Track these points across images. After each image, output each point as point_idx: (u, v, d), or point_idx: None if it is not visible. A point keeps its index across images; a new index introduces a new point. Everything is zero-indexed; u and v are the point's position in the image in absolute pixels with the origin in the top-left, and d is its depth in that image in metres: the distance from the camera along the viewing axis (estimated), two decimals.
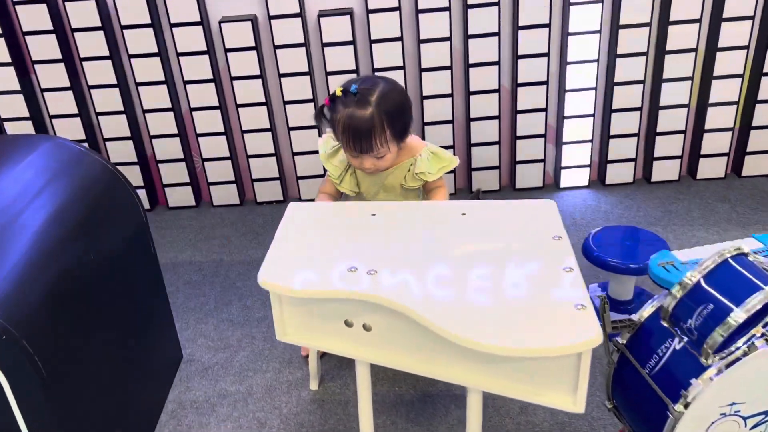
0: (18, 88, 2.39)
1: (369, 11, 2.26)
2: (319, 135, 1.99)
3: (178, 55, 2.34)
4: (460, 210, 1.33)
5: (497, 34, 2.31)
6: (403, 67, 2.35)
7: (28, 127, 2.46)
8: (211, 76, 2.38)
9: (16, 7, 2.27)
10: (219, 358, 1.85)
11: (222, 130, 2.48)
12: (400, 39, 2.30)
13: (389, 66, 2.34)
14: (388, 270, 1.14)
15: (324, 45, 2.30)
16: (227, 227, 2.50)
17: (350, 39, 2.29)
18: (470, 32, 2.31)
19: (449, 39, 2.31)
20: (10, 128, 2.47)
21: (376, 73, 1.68)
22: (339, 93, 1.48)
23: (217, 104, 2.43)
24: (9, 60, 2.33)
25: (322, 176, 2.43)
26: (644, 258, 1.71)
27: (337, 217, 1.36)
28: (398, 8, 2.26)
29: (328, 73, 2.35)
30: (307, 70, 2.36)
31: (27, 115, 2.44)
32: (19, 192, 1.33)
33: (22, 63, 2.38)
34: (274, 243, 1.27)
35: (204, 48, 2.32)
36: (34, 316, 1.12)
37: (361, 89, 1.46)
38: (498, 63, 2.36)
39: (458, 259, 1.18)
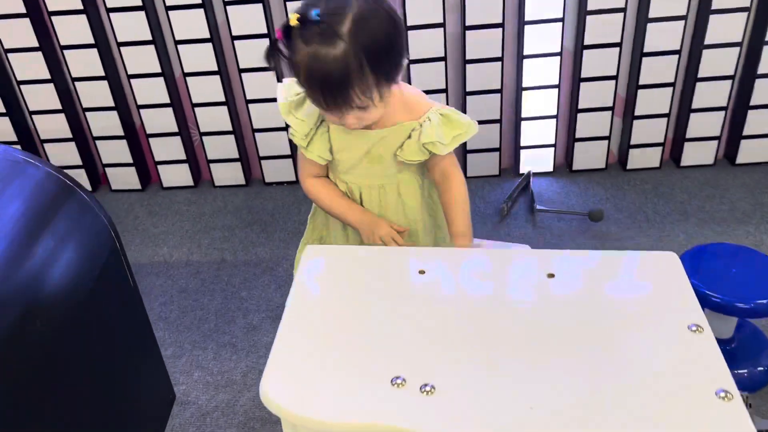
0: None
1: None
2: (278, 80, 1.42)
3: (168, 9, 1.91)
4: (544, 268, 0.94)
5: None
6: (443, 24, 1.91)
7: None
8: (208, 35, 1.95)
9: None
10: (219, 400, 1.51)
11: (222, 99, 2.07)
12: None
13: (427, 23, 1.90)
14: (453, 383, 0.77)
15: None
16: (230, 215, 2.12)
17: None
18: None
19: None
20: None
21: None
22: (294, 22, 0.97)
23: (216, 69, 2.01)
24: None
25: None
26: (762, 294, 1.33)
27: (369, 275, 0.98)
28: None
29: None
30: None
31: None
32: None
33: None
34: (284, 325, 0.89)
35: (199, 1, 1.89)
36: None
37: (326, 15, 0.96)
38: (561, 20, 1.91)
39: (551, 353, 0.81)
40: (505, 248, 1.37)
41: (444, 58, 1.97)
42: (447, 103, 1.90)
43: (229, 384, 1.55)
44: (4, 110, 2.09)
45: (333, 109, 1.03)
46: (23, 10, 1.92)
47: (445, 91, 2.03)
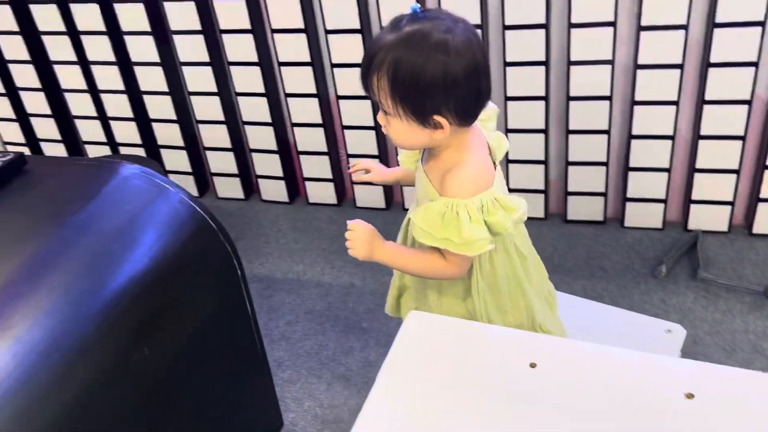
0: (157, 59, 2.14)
1: None
2: None
3: (327, 32, 1.93)
4: (681, 386, 0.78)
5: (762, 23, 1.60)
6: (611, 61, 1.74)
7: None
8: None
9: None
10: None
11: (371, 124, 2.05)
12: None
13: (595, 58, 1.74)
14: None
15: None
16: None
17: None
18: (718, 20, 1.62)
19: (685, 27, 1.65)
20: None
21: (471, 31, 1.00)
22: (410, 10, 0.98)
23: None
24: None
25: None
26: None
27: (474, 358, 0.88)
28: None
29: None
30: None
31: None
32: (57, 252, 1.01)
33: (162, 31, 2.11)
34: (375, 392, 0.82)
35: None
36: None
37: (420, 12, 0.97)
38: (755, 64, 1.65)
39: None
40: (643, 321, 1.20)
41: (609, 97, 1.79)
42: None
43: (336, 421, 1.51)
44: (175, 117, 2.25)
45: (363, 84, 1.01)
46: (199, 27, 2.04)
47: (607, 132, 1.85)
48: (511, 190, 1.06)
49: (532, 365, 0.83)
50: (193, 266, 1.15)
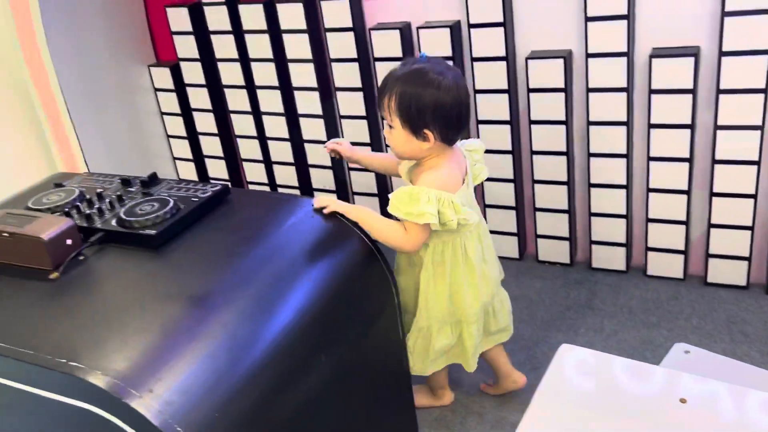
0: (320, 112, 2.39)
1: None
2: None
3: (476, 92, 2.09)
4: None
5: None
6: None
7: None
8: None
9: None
10: None
11: (511, 177, 2.17)
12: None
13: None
14: None
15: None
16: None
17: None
18: None
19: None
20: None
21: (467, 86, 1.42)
22: (420, 54, 1.47)
23: (509, 149, 2.13)
24: (315, 85, 2.34)
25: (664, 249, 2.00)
26: None
27: (623, 394, 0.95)
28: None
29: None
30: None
31: (324, 137, 2.44)
32: (260, 268, 1.20)
33: (327, 88, 2.37)
34: (528, 418, 0.92)
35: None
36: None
37: (426, 59, 1.42)
38: None
39: None
40: None
41: (758, 162, 1.81)
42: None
43: None
44: (329, 165, 2.48)
45: (377, 106, 1.46)
46: (359, 85, 2.27)
47: (754, 196, 1.85)
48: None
49: (682, 401, 0.90)
50: (362, 289, 1.31)
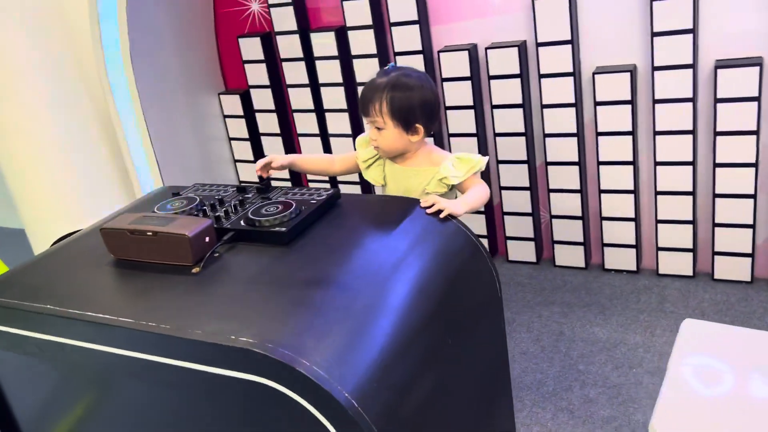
0: None
1: None
2: None
3: (543, 107, 2.20)
4: None
5: None
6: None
7: None
8: (574, 130, 2.19)
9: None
10: None
11: (578, 187, 2.26)
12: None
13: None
14: None
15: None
16: (569, 293, 2.27)
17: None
18: None
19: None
20: None
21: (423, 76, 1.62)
22: (387, 66, 1.64)
23: (576, 160, 2.23)
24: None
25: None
26: None
27: (757, 366, 1.03)
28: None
29: None
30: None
31: None
32: (384, 259, 1.30)
33: None
34: (668, 382, 1.00)
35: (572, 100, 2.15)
36: (393, 408, 1.05)
37: (394, 69, 1.61)
38: None
39: None
40: None
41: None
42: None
43: None
44: None
45: (363, 113, 1.62)
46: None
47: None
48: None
49: None
50: (472, 280, 1.39)
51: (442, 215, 1.44)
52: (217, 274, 1.28)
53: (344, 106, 2.54)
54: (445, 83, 2.31)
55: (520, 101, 2.22)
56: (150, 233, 1.31)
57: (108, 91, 2.46)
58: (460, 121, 2.34)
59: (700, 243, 2.20)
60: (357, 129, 2.58)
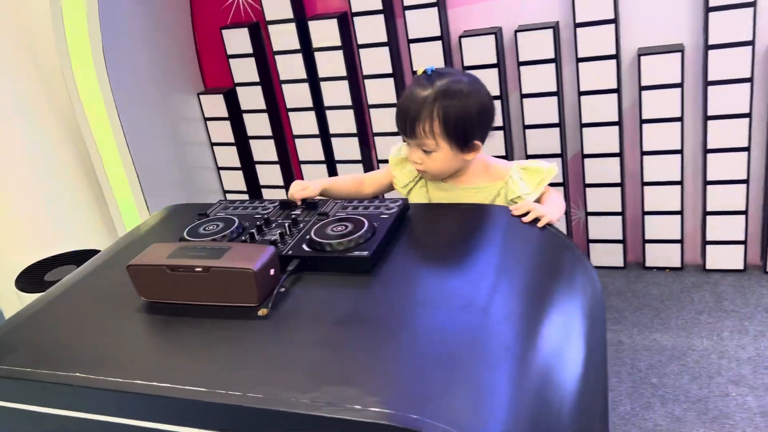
0: None
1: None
2: None
3: (581, 94, 2.01)
4: None
5: None
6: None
7: None
8: (616, 118, 2.00)
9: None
10: None
11: (618, 180, 2.08)
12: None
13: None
14: None
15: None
16: (614, 296, 2.09)
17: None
18: None
19: None
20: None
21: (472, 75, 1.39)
22: (419, 72, 1.35)
23: (617, 151, 2.04)
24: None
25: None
26: None
27: None
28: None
29: None
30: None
31: None
32: (488, 283, 1.06)
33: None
34: None
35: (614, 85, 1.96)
36: None
37: (435, 72, 1.33)
38: None
39: None
40: None
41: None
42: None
43: None
44: None
45: (405, 134, 1.34)
46: None
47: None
48: None
49: None
50: (591, 306, 1.17)
51: (540, 224, 1.21)
52: (291, 316, 1.01)
53: (348, 102, 2.27)
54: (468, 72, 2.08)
55: (554, 89, 2.01)
56: (199, 269, 1.02)
57: (75, 95, 2.11)
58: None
59: (750, 235, 2.06)
60: (362, 128, 2.32)
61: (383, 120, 2.25)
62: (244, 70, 2.37)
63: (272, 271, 1.04)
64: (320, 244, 1.11)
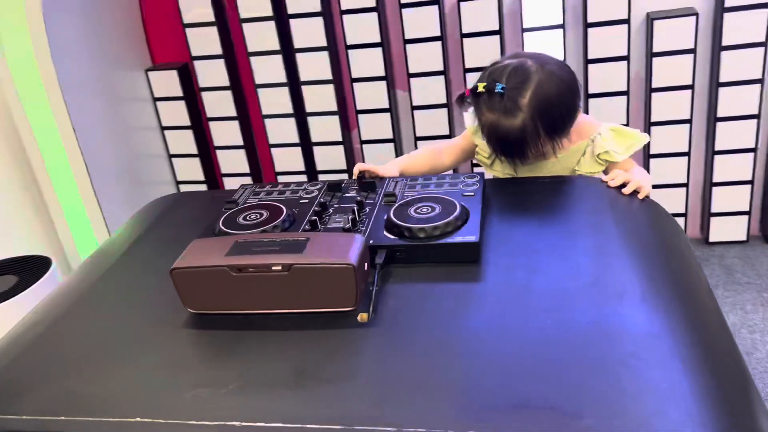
0: (387, 105, 2.06)
1: None
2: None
3: (588, 62, 1.89)
4: None
5: None
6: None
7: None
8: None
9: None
10: None
11: None
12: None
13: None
14: None
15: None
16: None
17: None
18: None
19: None
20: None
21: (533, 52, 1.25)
22: (482, 89, 1.12)
23: (624, 122, 1.95)
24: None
25: None
26: None
27: None
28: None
29: None
30: None
31: (390, 134, 2.11)
32: (617, 266, 0.90)
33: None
34: None
35: None
36: None
37: (509, 90, 1.10)
38: None
39: None
40: None
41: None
42: None
43: None
44: None
45: (515, 160, 1.16)
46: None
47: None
48: None
49: None
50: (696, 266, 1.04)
51: (641, 195, 1.06)
52: (398, 321, 0.80)
53: (329, 76, 2.04)
54: (466, 39, 1.91)
55: (561, 57, 1.88)
56: (278, 267, 0.79)
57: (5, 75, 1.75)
58: None
59: (753, 206, 2.02)
60: (343, 106, 2.10)
61: (368, 96, 2.04)
62: (204, 41, 2.08)
63: (366, 266, 0.83)
64: (409, 230, 0.90)
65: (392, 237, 0.91)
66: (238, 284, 0.80)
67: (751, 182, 1.95)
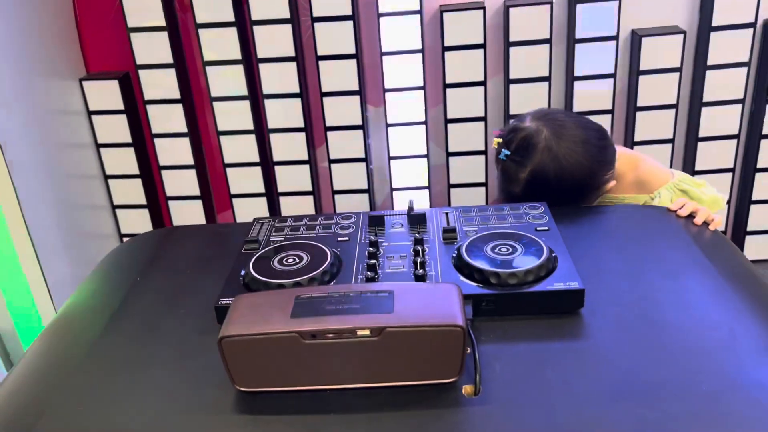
0: (359, 123, 1.90)
1: None
2: None
3: (574, 79, 1.81)
4: None
5: None
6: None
7: None
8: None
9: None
10: None
11: None
12: None
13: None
14: None
15: None
16: None
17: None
18: None
19: None
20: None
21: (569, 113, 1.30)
22: (495, 145, 1.13)
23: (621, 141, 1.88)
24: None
25: None
26: None
27: None
28: None
29: None
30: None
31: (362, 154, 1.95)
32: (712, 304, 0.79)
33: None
34: None
35: None
36: None
37: (510, 159, 1.08)
38: None
39: None
40: None
41: None
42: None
43: None
44: None
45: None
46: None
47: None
48: None
49: None
50: None
51: (712, 227, 0.97)
52: (509, 394, 0.64)
53: (296, 89, 1.85)
54: (448, 53, 1.79)
55: (546, 73, 1.80)
56: (365, 332, 0.61)
57: None
58: (466, 102, 1.83)
59: None
60: (309, 122, 1.91)
61: (341, 112, 1.87)
62: (152, 48, 1.83)
63: (469, 326, 0.67)
64: (497, 276, 0.75)
65: (472, 284, 0.75)
66: (310, 354, 0.62)
67: (727, 202, 1.94)
